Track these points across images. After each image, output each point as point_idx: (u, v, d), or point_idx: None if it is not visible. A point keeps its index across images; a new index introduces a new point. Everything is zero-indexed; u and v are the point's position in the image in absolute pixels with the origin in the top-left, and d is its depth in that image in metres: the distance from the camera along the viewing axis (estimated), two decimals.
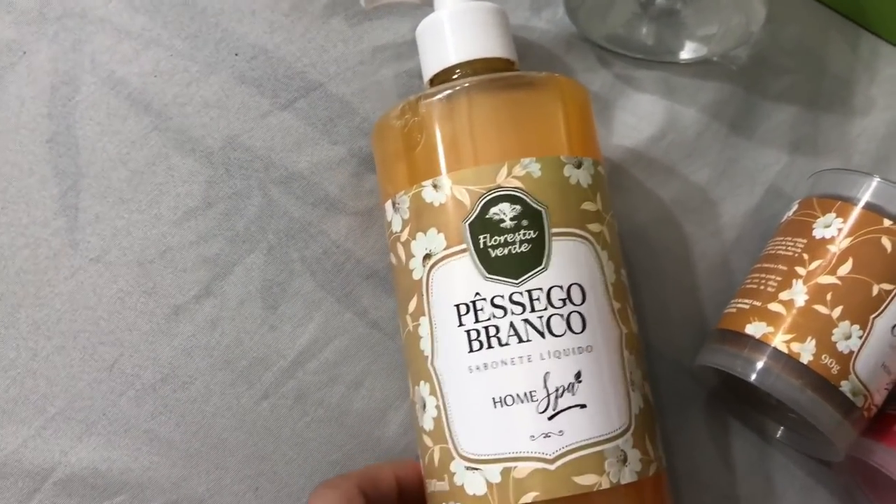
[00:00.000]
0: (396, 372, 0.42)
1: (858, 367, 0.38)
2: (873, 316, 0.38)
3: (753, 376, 0.38)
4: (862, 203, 0.39)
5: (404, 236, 0.36)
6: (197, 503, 0.40)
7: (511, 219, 0.34)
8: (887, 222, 0.39)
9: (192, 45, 0.42)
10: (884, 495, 0.43)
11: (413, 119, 0.36)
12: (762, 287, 0.40)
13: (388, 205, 0.37)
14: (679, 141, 0.44)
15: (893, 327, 0.38)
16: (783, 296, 0.39)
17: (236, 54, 0.42)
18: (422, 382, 0.35)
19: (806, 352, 0.38)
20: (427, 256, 0.35)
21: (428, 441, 0.35)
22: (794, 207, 0.42)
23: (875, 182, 0.40)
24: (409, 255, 0.36)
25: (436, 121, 0.36)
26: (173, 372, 0.40)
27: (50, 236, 0.40)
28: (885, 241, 0.39)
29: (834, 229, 0.39)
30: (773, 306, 0.39)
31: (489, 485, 0.33)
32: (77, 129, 0.41)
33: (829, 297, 0.38)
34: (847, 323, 0.38)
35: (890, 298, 0.38)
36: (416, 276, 0.35)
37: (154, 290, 0.41)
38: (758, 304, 0.40)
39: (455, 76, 0.37)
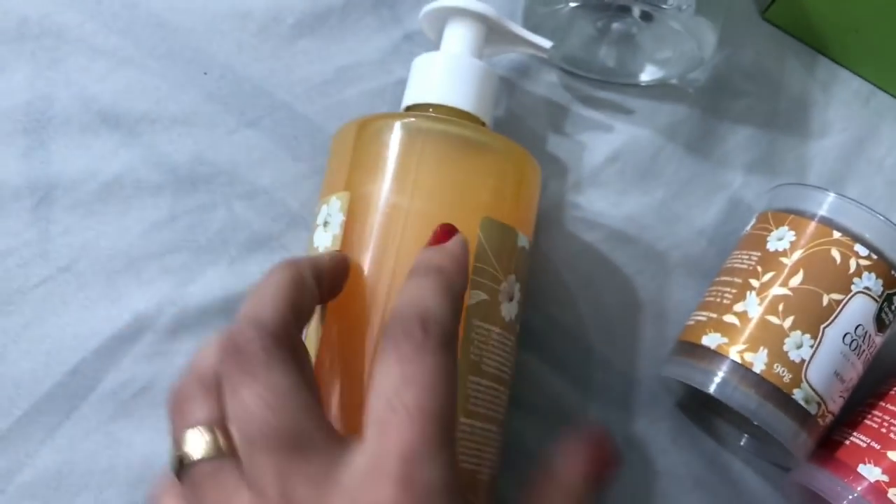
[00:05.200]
0: None
1: (811, 376, 0.34)
2: (824, 325, 0.35)
3: (711, 388, 0.35)
4: (815, 217, 0.36)
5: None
6: None
7: None
8: (837, 234, 0.35)
9: (163, 64, 0.40)
10: None
11: None
12: (719, 300, 0.37)
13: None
14: (634, 161, 0.41)
15: (845, 336, 0.35)
16: (738, 307, 0.36)
17: (205, 73, 0.40)
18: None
19: (759, 361, 0.35)
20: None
21: None
22: (753, 222, 0.39)
23: (828, 196, 0.36)
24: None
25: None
26: (134, 377, 0.37)
27: (21, 246, 0.38)
28: (835, 253, 0.35)
29: (787, 242, 0.36)
30: (728, 318, 0.36)
31: None
32: (50, 143, 0.39)
33: (781, 307, 0.35)
34: (798, 332, 0.35)
35: (840, 308, 0.35)
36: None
37: (118, 299, 0.38)
38: (714, 316, 0.37)
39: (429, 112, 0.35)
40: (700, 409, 0.40)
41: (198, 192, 0.39)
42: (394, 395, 0.24)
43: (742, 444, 0.40)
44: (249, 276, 0.39)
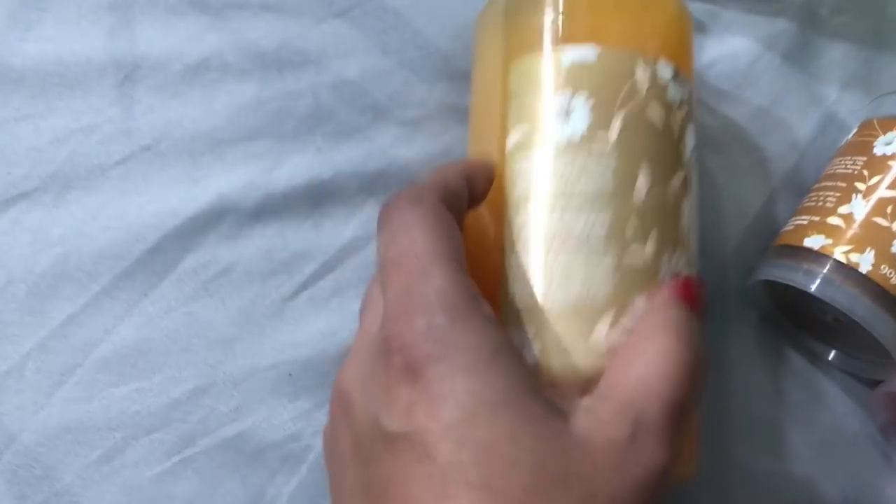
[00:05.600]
0: None
1: None
2: None
3: (813, 286, 0.34)
4: None
5: (683, 114, 0.31)
6: (231, 386, 0.35)
7: None
8: None
9: None
10: None
11: None
12: (821, 203, 0.36)
13: (670, 70, 0.31)
14: (730, 70, 0.41)
15: None
16: (842, 210, 0.35)
17: None
18: (680, 252, 0.30)
19: (865, 262, 0.33)
20: (692, 155, 0.32)
21: None
22: (854, 131, 0.38)
23: None
24: (681, 138, 0.31)
25: None
26: (215, 258, 0.36)
27: (104, 123, 0.37)
28: None
29: (895, 146, 0.35)
30: (832, 220, 0.35)
31: None
32: (136, 22, 0.38)
33: (889, 209, 0.34)
34: None
35: None
36: (687, 157, 0.31)
37: (202, 180, 0.37)
38: (816, 219, 0.35)
39: None
40: (787, 322, 0.39)
41: (284, 80, 0.38)
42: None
43: (830, 358, 0.38)
44: (335, 165, 0.38)
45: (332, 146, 0.38)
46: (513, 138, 0.31)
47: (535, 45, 0.31)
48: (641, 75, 0.30)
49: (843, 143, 0.38)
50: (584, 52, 0.30)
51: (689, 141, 0.31)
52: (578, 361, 0.28)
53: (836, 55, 0.41)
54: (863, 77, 0.41)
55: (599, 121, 0.29)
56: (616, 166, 0.29)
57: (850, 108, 0.41)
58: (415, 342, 0.23)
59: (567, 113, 0.30)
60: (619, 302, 0.28)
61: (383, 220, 0.27)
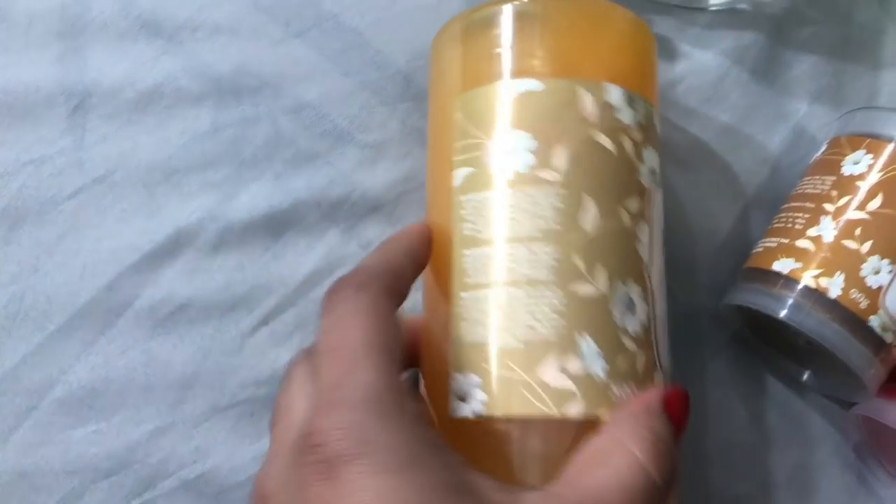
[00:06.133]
0: None
1: (888, 303, 0.32)
2: None
3: (783, 312, 0.33)
4: (893, 139, 0.34)
5: (638, 137, 0.30)
6: (191, 426, 0.35)
7: None
8: None
9: None
10: (892, 456, 0.37)
11: None
12: (790, 225, 0.35)
13: (616, 90, 0.30)
14: (697, 86, 0.40)
15: None
16: (811, 232, 0.34)
17: None
18: (632, 283, 0.29)
19: (835, 286, 0.33)
20: (653, 172, 0.31)
21: (630, 344, 0.28)
22: (823, 148, 0.37)
23: None
24: (639, 158, 0.30)
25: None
26: (172, 294, 0.35)
27: (56, 155, 0.36)
28: None
29: (864, 165, 0.34)
30: (802, 243, 0.34)
31: None
32: (86, 49, 0.37)
33: (858, 232, 0.33)
34: (877, 257, 0.33)
35: None
36: (643, 181, 0.30)
37: (158, 212, 0.36)
38: (785, 241, 0.35)
39: None
40: (760, 343, 0.38)
41: (241, 105, 0.37)
42: None
43: (804, 379, 0.38)
44: (295, 193, 0.37)
45: (291, 173, 0.37)
46: (459, 174, 0.30)
47: (483, 77, 0.30)
48: (588, 103, 0.29)
49: (813, 159, 0.37)
50: (528, 85, 0.29)
51: (648, 164, 0.30)
52: (526, 405, 0.27)
53: (805, 67, 0.40)
54: (832, 89, 0.40)
55: (545, 154, 0.29)
56: (562, 199, 0.28)
57: (820, 121, 0.40)
58: (334, 439, 0.22)
59: (512, 148, 0.29)
60: (566, 339, 0.27)
61: (325, 306, 0.26)
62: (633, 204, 0.30)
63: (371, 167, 0.37)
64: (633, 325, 0.29)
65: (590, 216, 0.29)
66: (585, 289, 0.28)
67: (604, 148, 0.29)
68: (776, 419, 0.38)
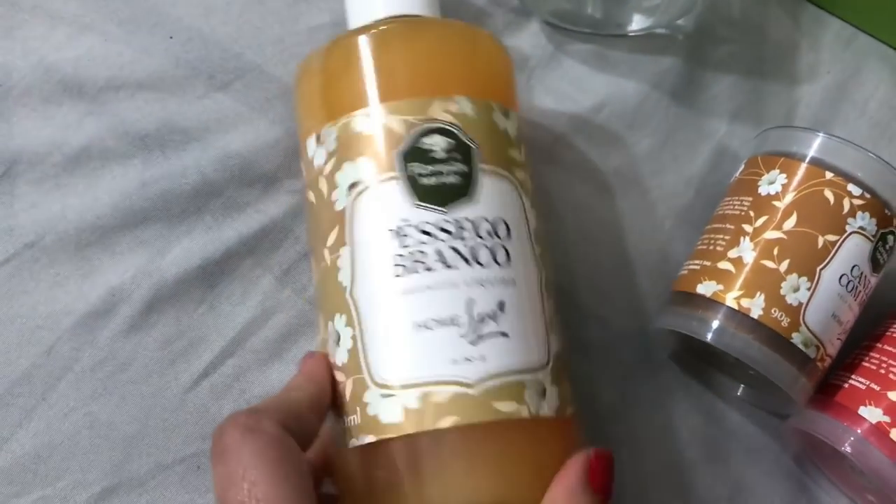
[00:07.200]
0: None
1: (808, 319, 0.33)
2: (820, 267, 0.34)
3: (709, 335, 0.34)
4: (806, 158, 0.35)
5: (328, 168, 0.32)
6: (139, 485, 0.35)
7: (443, 150, 0.31)
8: (829, 175, 0.34)
9: (125, 29, 0.37)
10: (830, 464, 0.38)
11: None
12: (712, 247, 0.36)
13: (311, 140, 0.33)
14: (619, 111, 0.40)
15: (841, 277, 0.34)
16: (732, 254, 0.35)
17: (171, 37, 0.38)
18: (337, 316, 0.31)
19: (756, 307, 0.33)
20: (353, 185, 0.31)
21: (341, 376, 0.30)
22: (741, 168, 0.38)
23: (818, 137, 0.35)
24: (333, 187, 0.32)
25: (371, 52, 0.32)
26: (112, 354, 0.36)
27: None
28: (828, 194, 0.34)
29: (778, 185, 0.35)
30: (723, 265, 0.35)
31: (406, 411, 0.29)
32: (11, 115, 0.37)
33: (776, 251, 0.34)
34: (795, 276, 0.34)
35: (835, 249, 0.34)
36: (338, 206, 0.31)
37: (91, 274, 0.36)
38: (708, 263, 0.35)
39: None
40: (695, 361, 0.39)
41: (168, 160, 0.37)
42: None
43: (739, 394, 0.39)
44: (227, 242, 0.37)
45: (222, 223, 0.37)
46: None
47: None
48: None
49: (732, 178, 0.38)
50: None
51: (343, 185, 0.32)
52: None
53: (723, 87, 0.41)
54: (751, 106, 0.41)
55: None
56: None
57: (740, 139, 0.41)
58: None
59: None
60: None
61: (216, 452, 0.26)
62: (332, 238, 0.32)
63: (301, 212, 0.38)
64: (340, 356, 0.31)
65: (312, 273, 0.33)
66: (319, 340, 0.32)
67: (309, 203, 0.33)
68: (715, 434, 0.39)
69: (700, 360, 0.39)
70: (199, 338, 0.36)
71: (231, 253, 0.37)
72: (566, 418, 0.31)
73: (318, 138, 0.33)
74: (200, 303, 0.37)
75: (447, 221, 0.30)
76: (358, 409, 0.30)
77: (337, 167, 0.32)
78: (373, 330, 0.30)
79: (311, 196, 0.33)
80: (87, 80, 0.37)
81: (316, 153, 0.33)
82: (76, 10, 0.38)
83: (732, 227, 0.35)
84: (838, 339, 0.35)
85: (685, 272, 0.36)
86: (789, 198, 0.35)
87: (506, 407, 0.29)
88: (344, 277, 0.31)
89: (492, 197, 0.31)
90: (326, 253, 0.32)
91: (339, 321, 0.31)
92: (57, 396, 0.35)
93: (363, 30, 0.33)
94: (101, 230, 0.36)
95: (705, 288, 0.35)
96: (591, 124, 0.40)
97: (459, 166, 0.30)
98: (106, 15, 0.38)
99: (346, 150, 0.32)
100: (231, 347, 0.36)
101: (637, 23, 0.40)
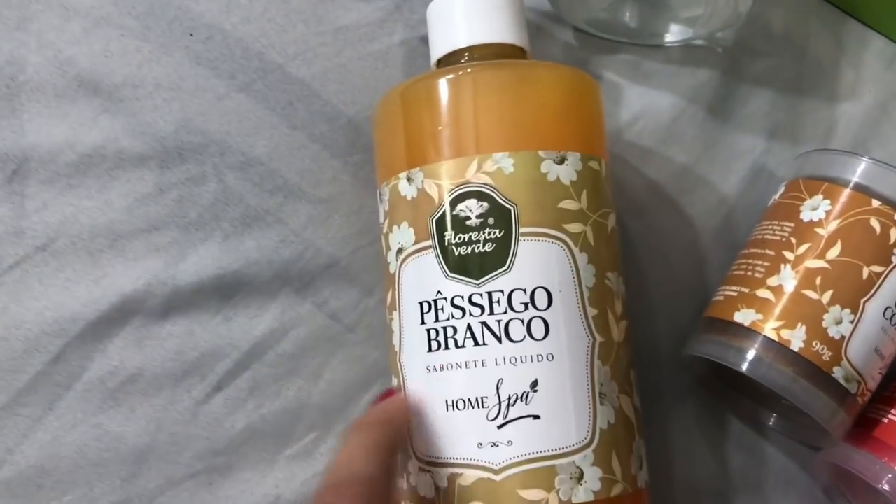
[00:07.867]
0: (356, 364, 0.36)
1: (851, 353, 0.32)
2: (864, 300, 0.32)
3: (745, 366, 0.32)
4: (850, 184, 0.34)
5: (384, 228, 0.31)
6: (147, 501, 0.34)
7: (477, 216, 0.29)
8: (876, 203, 0.33)
9: (143, 24, 0.36)
10: (863, 500, 0.37)
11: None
12: (750, 273, 0.34)
13: (377, 193, 0.33)
14: (653, 126, 0.39)
15: (885, 310, 0.32)
16: (771, 281, 0.33)
17: (191, 34, 0.36)
18: (393, 376, 0.31)
19: (796, 339, 0.32)
20: (400, 250, 0.30)
21: None
22: (781, 190, 0.36)
23: (864, 162, 0.34)
24: (388, 248, 0.31)
25: (413, 109, 0.31)
26: (122, 364, 0.34)
27: None
28: (874, 223, 0.33)
29: (822, 212, 0.34)
30: (762, 293, 0.33)
31: (437, 489, 0.28)
32: (23, 111, 0.35)
33: (818, 281, 0.33)
34: (838, 307, 0.32)
35: (881, 281, 0.32)
36: (392, 269, 0.31)
37: (102, 280, 0.35)
38: (746, 290, 0.34)
39: (463, 60, 0.32)
40: (724, 387, 0.37)
41: (186, 164, 0.36)
42: None
43: (770, 423, 0.37)
44: (245, 253, 0.35)
45: (240, 233, 0.36)
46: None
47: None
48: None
49: (771, 200, 0.37)
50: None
51: (394, 247, 0.31)
52: None
53: (760, 103, 0.40)
54: (789, 124, 0.40)
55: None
56: None
57: (778, 158, 0.39)
58: None
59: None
60: None
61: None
62: (389, 297, 0.31)
63: (324, 223, 0.36)
64: None
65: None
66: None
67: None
68: (744, 463, 0.37)
69: (730, 387, 0.37)
70: (213, 350, 0.35)
71: (249, 264, 0.36)
72: (614, 499, 0.29)
73: (379, 195, 0.32)
74: (216, 314, 0.35)
75: (479, 295, 0.29)
76: (404, 474, 0.30)
77: (389, 229, 0.31)
78: (413, 402, 0.29)
79: (383, 249, 0.32)
80: (103, 77, 0.36)
81: (379, 209, 0.32)
82: (92, 2, 0.36)
83: (773, 253, 0.34)
84: (879, 373, 0.33)
85: (720, 298, 0.35)
86: (833, 225, 0.33)
87: (532, 495, 0.27)
88: (396, 341, 0.31)
89: (530, 263, 0.29)
90: (387, 311, 0.32)
91: (394, 381, 0.31)
92: (64, 407, 0.34)
93: (414, 82, 0.32)
94: (114, 235, 0.35)
95: (743, 316, 0.33)
96: (621, 139, 0.38)
97: (494, 232, 0.29)
98: (123, 8, 0.36)
99: (394, 212, 0.31)
100: (247, 360, 0.35)
101: (674, 33, 0.39)
